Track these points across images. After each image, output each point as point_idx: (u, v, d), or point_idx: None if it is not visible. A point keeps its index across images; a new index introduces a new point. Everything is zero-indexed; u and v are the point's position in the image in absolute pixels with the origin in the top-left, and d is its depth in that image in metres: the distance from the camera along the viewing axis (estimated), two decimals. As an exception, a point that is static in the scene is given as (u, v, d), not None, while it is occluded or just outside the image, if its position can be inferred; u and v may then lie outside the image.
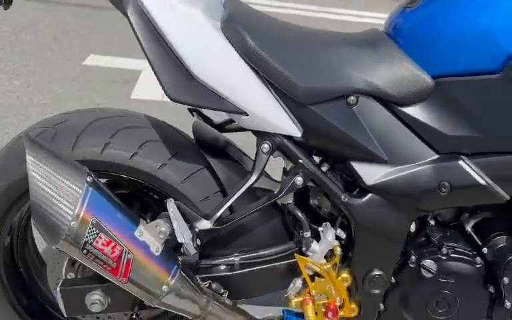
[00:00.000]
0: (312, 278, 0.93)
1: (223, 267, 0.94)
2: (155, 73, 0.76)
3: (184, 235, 0.80)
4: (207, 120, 1.04)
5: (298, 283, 0.94)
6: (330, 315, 0.94)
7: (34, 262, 1.12)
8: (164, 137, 0.92)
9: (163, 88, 0.77)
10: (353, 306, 0.97)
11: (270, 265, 0.94)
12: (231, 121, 1.01)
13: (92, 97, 2.37)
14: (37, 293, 1.11)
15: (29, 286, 1.09)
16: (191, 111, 1.11)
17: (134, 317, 0.92)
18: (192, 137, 0.98)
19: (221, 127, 1.04)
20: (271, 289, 0.98)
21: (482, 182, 0.83)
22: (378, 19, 3.98)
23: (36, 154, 0.72)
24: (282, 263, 0.94)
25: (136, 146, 0.88)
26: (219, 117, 1.01)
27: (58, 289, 0.91)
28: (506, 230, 0.91)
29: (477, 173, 0.83)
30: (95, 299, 0.90)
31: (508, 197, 0.84)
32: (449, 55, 0.81)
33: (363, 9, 4.54)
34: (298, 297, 0.94)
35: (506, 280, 0.87)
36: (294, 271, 0.95)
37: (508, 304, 0.90)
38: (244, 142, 1.08)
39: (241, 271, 0.93)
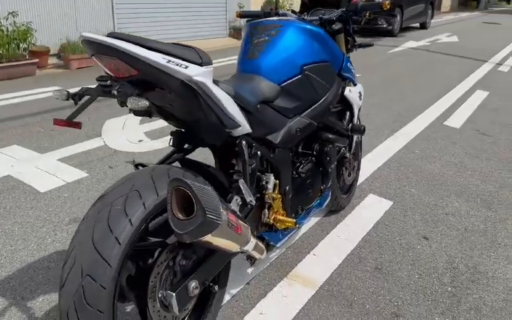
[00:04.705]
0: (273, 201, 1.71)
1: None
2: (215, 112, 1.35)
3: (250, 197, 1.43)
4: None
5: (265, 212, 1.70)
6: (278, 217, 1.76)
7: None
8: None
9: (222, 122, 1.37)
10: (283, 211, 1.82)
11: (254, 209, 1.65)
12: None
13: None
14: None
15: None
16: (136, 165, 1.62)
17: None
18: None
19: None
20: (259, 221, 1.69)
21: (308, 121, 1.86)
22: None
23: (197, 184, 1.19)
24: (257, 205, 1.67)
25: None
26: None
27: (174, 294, 1.32)
28: (317, 140, 1.98)
29: (307, 119, 1.85)
30: (193, 285, 1.37)
31: (317, 124, 1.91)
32: (280, 73, 1.77)
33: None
34: (271, 218, 1.70)
35: (327, 158, 1.96)
36: (261, 209, 1.70)
37: (329, 169, 2.01)
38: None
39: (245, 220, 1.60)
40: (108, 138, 3.79)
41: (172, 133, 1.67)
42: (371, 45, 2.34)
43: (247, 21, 2.05)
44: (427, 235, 2.49)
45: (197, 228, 1.19)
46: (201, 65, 1.33)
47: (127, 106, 1.20)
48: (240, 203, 1.43)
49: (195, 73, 1.29)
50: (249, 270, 2.09)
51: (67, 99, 1.30)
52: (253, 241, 1.48)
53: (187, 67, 1.28)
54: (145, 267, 1.38)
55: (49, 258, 2.14)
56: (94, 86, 1.30)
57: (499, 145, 3.99)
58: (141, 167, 1.65)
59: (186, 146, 1.69)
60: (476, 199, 2.95)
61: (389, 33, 11.58)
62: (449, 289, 2.05)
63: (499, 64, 8.26)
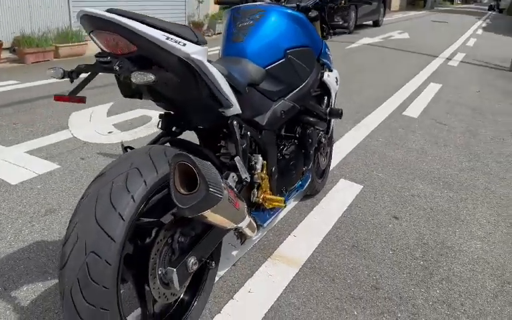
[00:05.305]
0: (262, 181, 1.76)
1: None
2: (211, 90, 1.38)
3: (246, 173, 1.47)
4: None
5: (254, 191, 1.75)
6: (267, 197, 1.82)
7: None
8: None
9: (217, 100, 1.40)
10: (270, 191, 1.87)
11: (244, 189, 1.69)
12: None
13: None
14: None
15: None
16: (125, 148, 1.62)
17: None
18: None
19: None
20: (248, 201, 1.73)
21: (291, 104, 1.92)
22: None
23: (200, 160, 1.22)
24: (246, 185, 1.71)
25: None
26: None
27: (175, 270, 1.34)
28: (299, 124, 2.05)
29: (290, 102, 1.91)
30: (192, 261, 1.40)
31: (299, 107, 1.98)
32: (265, 56, 1.82)
33: None
34: (260, 197, 1.75)
35: (309, 141, 2.03)
36: (249, 189, 1.74)
37: (311, 151, 2.08)
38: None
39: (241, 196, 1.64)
40: (76, 130, 3.71)
41: (161, 116, 1.69)
42: (345, 32, 2.44)
43: (224, 8, 2.08)
44: (396, 214, 2.63)
45: (200, 202, 1.22)
46: (197, 43, 1.35)
47: (130, 81, 1.20)
48: (236, 180, 1.47)
49: (192, 50, 1.31)
50: (234, 252, 2.13)
51: (63, 77, 1.29)
52: (248, 218, 1.53)
53: (184, 45, 1.30)
54: (143, 246, 1.39)
55: (28, 249, 2.08)
56: (92, 63, 1.30)
57: (454, 133, 4.24)
58: (129, 150, 1.65)
59: (174, 129, 1.71)
60: (438, 181, 3.14)
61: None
62: (421, 262, 2.18)
63: (449, 59, 8.72)
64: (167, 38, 1.25)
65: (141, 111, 4.29)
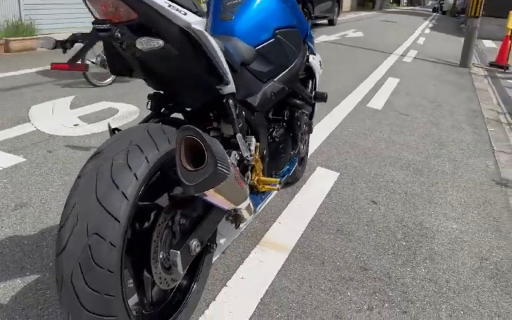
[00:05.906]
0: (256, 163, 1.73)
1: None
2: (212, 63, 1.32)
3: (247, 151, 1.43)
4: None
5: (249, 174, 1.71)
6: (261, 179, 1.79)
7: None
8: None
9: (217, 74, 1.35)
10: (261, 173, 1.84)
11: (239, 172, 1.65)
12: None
13: None
14: None
15: None
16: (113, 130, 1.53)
17: None
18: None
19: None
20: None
21: (281, 86, 1.90)
22: None
23: (207, 136, 1.16)
24: (240, 167, 1.67)
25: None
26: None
27: (179, 252, 1.28)
28: (286, 107, 2.03)
29: (280, 84, 1.89)
30: (194, 243, 1.35)
31: (288, 90, 1.95)
32: (255, 36, 1.78)
33: None
34: (254, 180, 1.72)
35: (297, 124, 2.01)
36: (245, 171, 1.70)
37: (299, 134, 2.07)
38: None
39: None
40: (39, 123, 3.50)
41: (150, 96, 1.61)
42: (326, 17, 2.45)
43: None
44: (374, 199, 2.67)
45: (207, 179, 1.15)
46: (196, 13, 1.30)
47: (134, 47, 1.13)
48: (238, 159, 1.43)
49: (193, 20, 1.26)
50: (222, 240, 2.08)
51: (55, 47, 1.20)
52: (248, 199, 1.49)
53: (185, 14, 1.24)
54: (143, 229, 1.32)
55: (1, 244, 1.93)
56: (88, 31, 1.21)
57: (417, 123, 4.39)
58: (117, 132, 1.56)
59: (163, 110, 1.64)
60: (408, 167, 3.23)
61: (301, 28, 12.04)
62: (403, 243, 2.23)
63: (403, 55, 9.03)
64: (169, 5, 1.19)
65: (106, 103, 4.11)
